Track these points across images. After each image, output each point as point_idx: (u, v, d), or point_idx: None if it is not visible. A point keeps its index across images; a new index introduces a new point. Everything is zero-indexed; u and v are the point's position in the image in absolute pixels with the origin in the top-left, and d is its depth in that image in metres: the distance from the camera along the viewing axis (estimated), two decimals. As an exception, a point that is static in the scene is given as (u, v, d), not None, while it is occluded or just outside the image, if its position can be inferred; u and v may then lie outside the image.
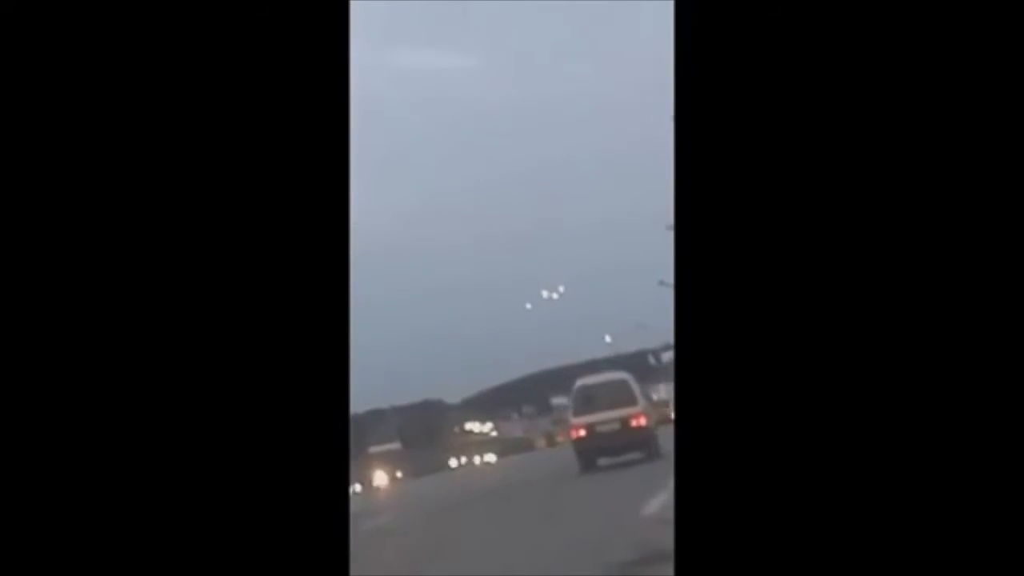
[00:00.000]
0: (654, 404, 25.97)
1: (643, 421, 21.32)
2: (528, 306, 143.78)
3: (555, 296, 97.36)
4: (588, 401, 21.50)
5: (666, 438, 20.12)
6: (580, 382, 22.51)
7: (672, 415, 22.41)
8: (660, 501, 11.25)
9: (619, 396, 21.41)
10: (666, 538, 7.74)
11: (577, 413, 21.53)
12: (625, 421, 21.11)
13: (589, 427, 21.19)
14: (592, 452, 21.36)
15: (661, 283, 58.20)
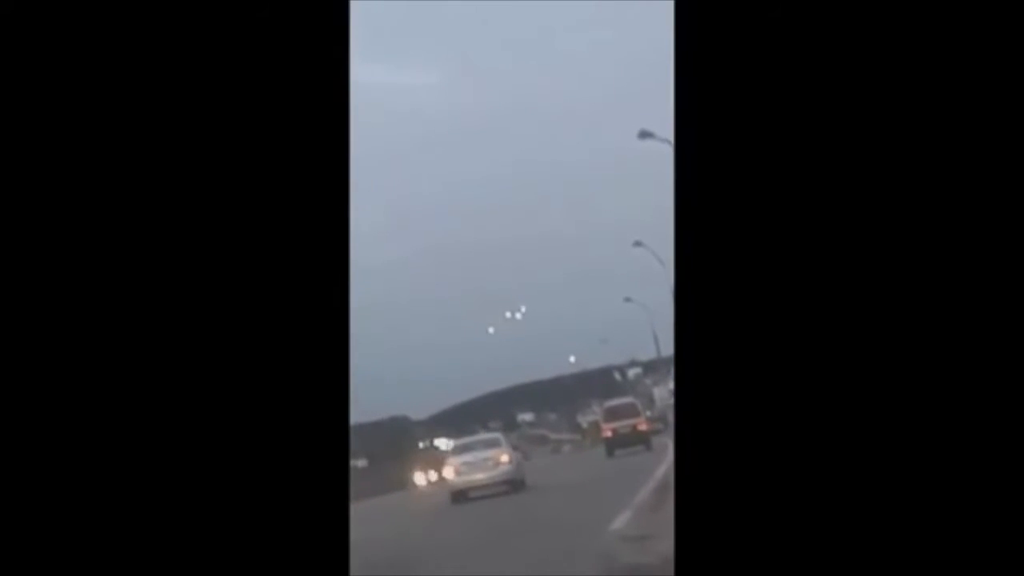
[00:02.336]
0: (648, 417, 43.06)
1: (644, 427, 37.70)
2: (491, 330, 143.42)
3: (518, 316, 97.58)
4: (612, 414, 38.91)
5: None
6: (607, 403, 42.08)
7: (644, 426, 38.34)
8: (625, 518, 11.35)
9: (630, 411, 38.61)
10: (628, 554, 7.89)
11: (606, 421, 39.15)
12: (634, 427, 37.32)
13: (614, 430, 37.72)
14: (614, 445, 36.97)
15: (627, 300, 58.38)
